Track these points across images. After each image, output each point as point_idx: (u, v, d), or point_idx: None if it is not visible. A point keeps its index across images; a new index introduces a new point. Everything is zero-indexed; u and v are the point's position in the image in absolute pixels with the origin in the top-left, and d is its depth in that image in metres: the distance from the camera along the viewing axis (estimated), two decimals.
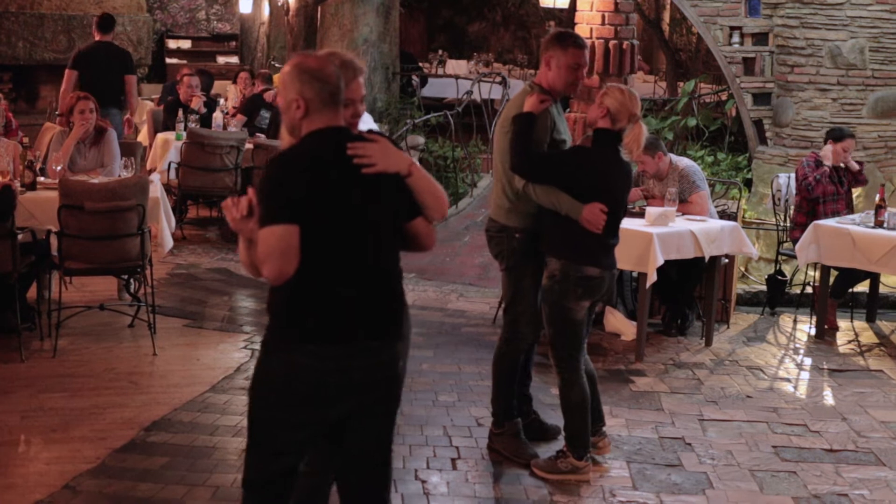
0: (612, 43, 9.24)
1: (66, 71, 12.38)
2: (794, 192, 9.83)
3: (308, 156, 3.97)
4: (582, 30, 9.32)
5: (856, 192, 9.94)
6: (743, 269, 12.08)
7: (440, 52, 23.90)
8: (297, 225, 3.85)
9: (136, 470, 5.91)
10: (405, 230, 4.14)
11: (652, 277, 8.00)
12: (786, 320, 9.71)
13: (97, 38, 12.63)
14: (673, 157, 9.05)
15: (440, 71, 21.96)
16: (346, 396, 3.99)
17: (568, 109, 9.55)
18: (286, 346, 3.96)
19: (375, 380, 4.02)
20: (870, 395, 7.74)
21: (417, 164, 4.09)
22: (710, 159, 13.56)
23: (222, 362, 7.85)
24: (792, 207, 9.90)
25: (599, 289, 5.94)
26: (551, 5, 11.70)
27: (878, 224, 8.83)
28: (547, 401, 7.09)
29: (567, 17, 17.47)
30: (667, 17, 23.48)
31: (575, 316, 5.94)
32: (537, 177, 6.00)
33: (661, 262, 8.01)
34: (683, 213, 8.65)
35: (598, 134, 5.94)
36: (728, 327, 9.32)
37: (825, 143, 9.71)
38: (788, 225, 9.95)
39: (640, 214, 8.46)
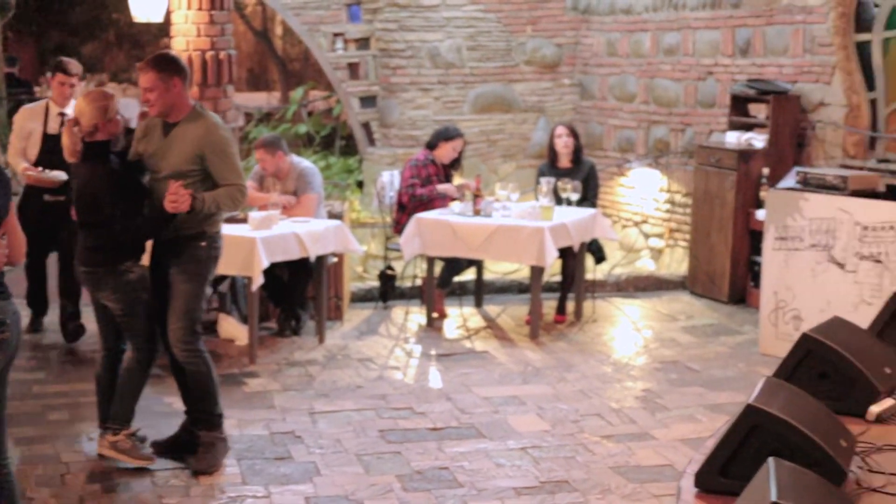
0: (208, 54, 9.27)
1: None
2: (397, 188, 10.11)
3: None
4: (178, 43, 9.32)
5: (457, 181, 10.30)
6: (361, 268, 12.40)
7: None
8: None
9: None
10: None
11: (257, 281, 8.11)
12: (398, 313, 10.00)
13: None
14: (295, 158, 9.21)
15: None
16: None
17: None
18: None
19: None
20: (474, 375, 8.12)
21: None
22: (322, 164, 13.84)
23: None
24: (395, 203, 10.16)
25: None
26: (145, 20, 11.63)
27: (476, 213, 9.23)
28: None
29: (163, 32, 17.42)
30: (278, 28, 23.73)
31: None
32: None
33: (266, 264, 8.12)
34: (290, 217, 8.82)
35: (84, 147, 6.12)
36: (342, 324, 9.54)
37: (435, 143, 9.96)
38: (391, 221, 10.20)
39: (244, 220, 8.56)
